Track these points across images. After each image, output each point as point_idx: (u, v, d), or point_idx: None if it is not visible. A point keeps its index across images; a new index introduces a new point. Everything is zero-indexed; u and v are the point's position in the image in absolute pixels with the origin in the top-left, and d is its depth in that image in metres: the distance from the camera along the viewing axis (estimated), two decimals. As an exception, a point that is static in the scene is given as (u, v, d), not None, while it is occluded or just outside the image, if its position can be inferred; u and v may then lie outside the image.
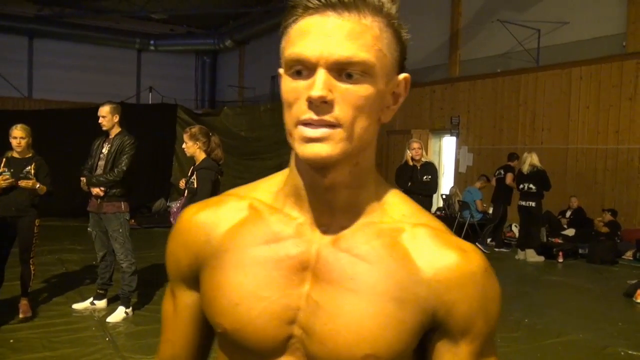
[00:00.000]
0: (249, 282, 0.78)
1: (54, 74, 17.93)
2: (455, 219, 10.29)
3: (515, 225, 10.03)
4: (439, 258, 0.76)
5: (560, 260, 8.45)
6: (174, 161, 12.15)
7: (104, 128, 4.84)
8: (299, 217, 0.80)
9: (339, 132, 0.71)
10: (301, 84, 0.71)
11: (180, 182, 4.82)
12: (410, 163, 6.20)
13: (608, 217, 9.31)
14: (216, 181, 4.27)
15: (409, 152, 6.26)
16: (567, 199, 10.10)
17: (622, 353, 4.46)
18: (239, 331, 0.78)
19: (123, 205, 4.82)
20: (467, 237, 9.84)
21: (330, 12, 0.71)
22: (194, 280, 0.86)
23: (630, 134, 9.61)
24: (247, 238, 0.80)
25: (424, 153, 6.36)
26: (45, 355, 3.98)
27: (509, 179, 9.20)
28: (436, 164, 9.18)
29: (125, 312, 4.84)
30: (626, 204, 9.58)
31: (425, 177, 6.16)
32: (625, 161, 9.66)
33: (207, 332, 0.90)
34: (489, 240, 9.69)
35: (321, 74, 0.70)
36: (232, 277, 0.79)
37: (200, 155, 4.40)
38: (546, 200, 8.80)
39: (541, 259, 8.47)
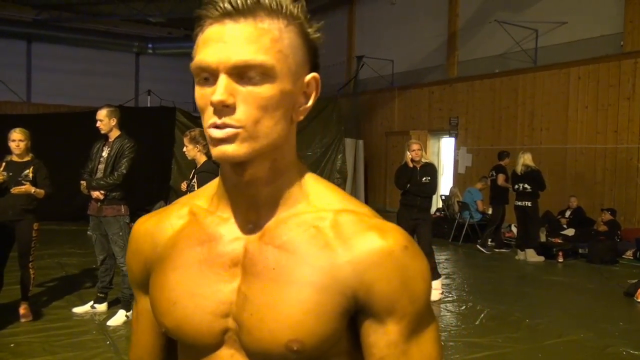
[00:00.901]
0: (184, 281, 0.83)
1: (53, 78, 17.90)
2: (455, 220, 10.30)
3: (515, 226, 10.03)
4: (358, 240, 0.77)
5: (560, 260, 8.45)
6: (173, 164, 12.13)
7: (102, 132, 4.84)
8: (230, 217, 0.84)
9: (242, 133, 0.74)
10: (208, 90, 0.75)
11: (182, 184, 4.82)
12: (410, 164, 6.19)
13: (607, 216, 9.32)
14: (216, 184, 4.26)
15: (408, 153, 6.25)
16: (567, 199, 10.11)
17: (624, 353, 4.46)
18: (178, 328, 0.83)
19: (123, 208, 4.82)
20: (467, 238, 9.86)
21: (228, 20, 0.74)
22: (146, 285, 0.91)
23: (629, 133, 9.62)
24: (185, 241, 0.86)
25: (423, 154, 6.35)
26: (46, 359, 3.98)
27: (501, 179, 9.17)
28: (435, 164, 9.19)
29: (126, 316, 4.84)
30: (625, 203, 9.60)
31: (424, 178, 6.15)
32: (624, 160, 9.67)
33: (167, 336, 0.94)
34: (489, 241, 9.71)
35: (222, 80, 0.73)
36: (171, 278, 0.84)
37: (201, 158, 4.40)
38: (545, 200, 8.82)
39: (541, 259, 8.47)
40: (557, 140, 10.73)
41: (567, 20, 10.55)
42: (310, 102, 0.82)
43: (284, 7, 0.76)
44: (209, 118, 0.75)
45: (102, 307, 5.09)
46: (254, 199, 0.82)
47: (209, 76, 0.75)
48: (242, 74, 0.74)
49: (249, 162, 0.77)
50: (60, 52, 17.99)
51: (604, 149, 9.99)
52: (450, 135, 13.08)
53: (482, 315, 5.42)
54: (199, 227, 0.86)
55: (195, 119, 12.50)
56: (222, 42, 0.74)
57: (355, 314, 0.79)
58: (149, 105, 16.89)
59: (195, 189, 4.28)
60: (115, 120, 4.83)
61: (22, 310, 4.78)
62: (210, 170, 4.34)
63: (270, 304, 0.77)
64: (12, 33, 16.91)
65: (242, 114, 0.74)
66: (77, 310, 5.07)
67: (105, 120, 4.80)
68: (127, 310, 4.87)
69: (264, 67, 0.74)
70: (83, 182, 4.87)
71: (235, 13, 0.74)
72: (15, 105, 16.85)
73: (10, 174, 4.60)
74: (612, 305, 6.07)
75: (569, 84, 10.55)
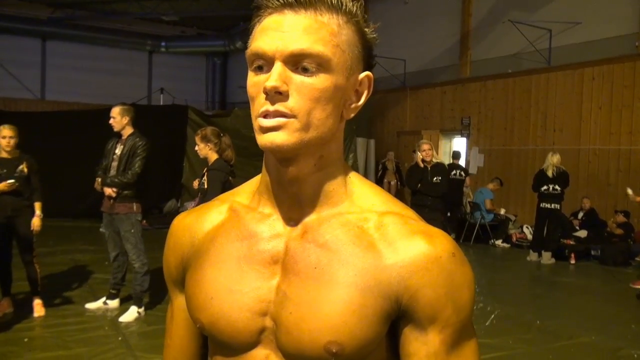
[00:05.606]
0: (222, 276, 0.81)
1: (67, 76, 18.06)
2: (466, 220, 10.26)
3: (527, 227, 9.97)
4: (404, 244, 0.76)
5: (572, 261, 8.39)
6: (185, 162, 12.19)
7: (115, 129, 4.88)
8: (272, 214, 0.82)
9: (293, 122, 0.73)
10: (261, 78, 0.75)
11: (194, 182, 4.85)
12: (421, 165, 6.19)
13: (621, 218, 9.22)
14: (226, 182, 4.28)
15: (419, 153, 6.24)
16: (579, 200, 10.03)
17: (635, 355, 4.42)
18: (214, 324, 0.81)
19: (135, 206, 4.85)
20: (478, 239, 9.81)
21: (288, 11, 0.74)
22: (182, 282, 0.89)
23: (644, 135, 9.52)
24: (224, 237, 0.84)
25: (434, 154, 6.34)
26: (59, 354, 4.02)
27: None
28: (446, 165, 9.10)
29: (138, 312, 4.88)
30: (639, 206, 9.49)
31: (435, 178, 6.14)
32: (639, 162, 9.57)
33: (202, 336, 0.92)
34: (500, 241, 9.65)
35: (277, 67, 0.73)
36: (208, 273, 0.82)
37: (212, 157, 4.42)
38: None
39: (552, 260, 8.40)
40: (571, 141, 10.64)
41: (582, 21, 10.45)
42: (361, 101, 0.81)
43: (344, 4, 0.77)
44: (260, 106, 0.74)
45: (114, 303, 5.14)
46: (298, 195, 0.80)
47: (264, 64, 0.75)
48: (297, 63, 0.73)
49: (295, 156, 0.76)
50: (74, 50, 18.15)
51: (617, 150, 9.90)
52: (462, 136, 13.02)
53: (493, 316, 5.40)
54: (239, 223, 0.84)
55: (207, 118, 12.57)
56: (281, 31, 0.73)
57: (396, 319, 0.76)
58: (161, 104, 16.99)
59: (205, 186, 4.31)
60: (127, 118, 4.87)
61: (35, 305, 4.85)
62: (220, 168, 4.35)
63: (311, 303, 0.75)
64: (27, 31, 17.10)
65: (294, 102, 0.73)
66: (90, 306, 5.12)
67: (117, 117, 4.84)
68: (139, 307, 4.91)
69: (320, 57, 0.73)
70: (98, 179, 4.92)
71: (296, 4, 0.74)
72: (29, 102, 17.03)
73: (5, 170, 4.66)
74: (624, 308, 6.01)
75: (582, 84, 10.46)
